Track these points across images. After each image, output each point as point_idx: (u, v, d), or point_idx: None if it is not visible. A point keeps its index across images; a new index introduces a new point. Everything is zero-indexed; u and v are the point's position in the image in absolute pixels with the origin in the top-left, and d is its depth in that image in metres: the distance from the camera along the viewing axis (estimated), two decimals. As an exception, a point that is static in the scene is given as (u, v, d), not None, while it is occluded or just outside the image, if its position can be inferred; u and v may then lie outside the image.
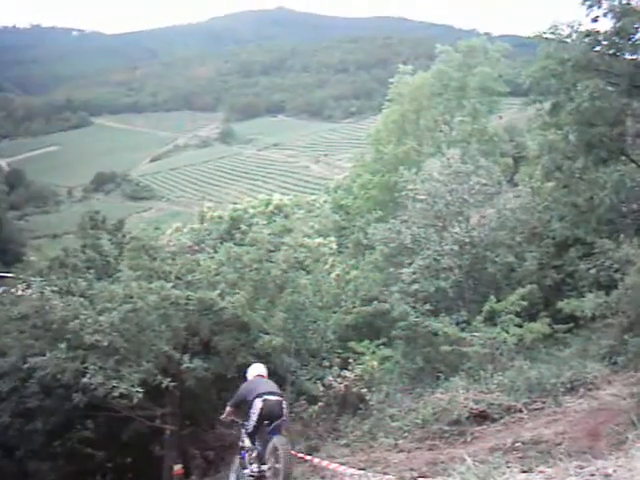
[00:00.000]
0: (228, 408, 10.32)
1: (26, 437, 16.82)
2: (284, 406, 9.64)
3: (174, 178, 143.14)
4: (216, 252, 18.71)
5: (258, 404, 9.51)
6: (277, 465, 8.91)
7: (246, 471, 9.69)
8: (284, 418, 9.62)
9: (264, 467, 9.31)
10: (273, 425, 9.47)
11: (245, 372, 10.73)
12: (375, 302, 19.37)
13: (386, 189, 34.86)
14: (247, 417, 9.76)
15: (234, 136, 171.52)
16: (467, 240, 20.00)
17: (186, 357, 15.02)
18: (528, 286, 17.96)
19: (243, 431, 9.97)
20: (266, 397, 9.54)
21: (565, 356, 15.97)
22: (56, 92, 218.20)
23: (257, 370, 10.60)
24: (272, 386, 10.02)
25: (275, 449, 9.07)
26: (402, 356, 18.05)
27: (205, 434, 18.32)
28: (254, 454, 9.66)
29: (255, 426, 9.60)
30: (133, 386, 13.98)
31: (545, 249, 20.74)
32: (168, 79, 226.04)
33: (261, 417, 9.49)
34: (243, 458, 9.94)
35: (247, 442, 9.87)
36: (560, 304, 17.15)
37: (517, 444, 11.19)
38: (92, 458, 16.92)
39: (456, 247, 19.82)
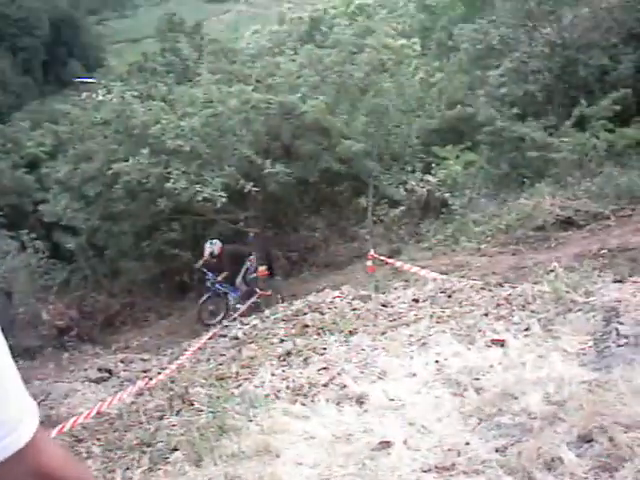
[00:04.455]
0: None
1: (115, 238, 17.36)
2: None
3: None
4: (296, 54, 18.20)
5: None
6: None
7: None
8: None
9: None
10: None
11: None
12: (459, 106, 18.83)
13: (473, -14, 33.02)
14: None
15: None
16: (558, 41, 18.86)
17: (268, 162, 14.96)
18: (622, 90, 17.04)
19: None
20: None
21: (659, 162, 15.37)
22: None
23: None
24: None
25: None
26: (486, 161, 17.66)
27: (288, 236, 18.63)
28: None
29: None
30: (216, 190, 14.05)
31: (643, 51, 19.47)
32: None
33: None
34: None
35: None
36: (657, 109, 16.32)
37: (603, 251, 10.93)
38: (179, 258, 17.39)
39: (546, 49, 18.76)
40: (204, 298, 14.75)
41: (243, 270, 15.03)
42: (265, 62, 17.62)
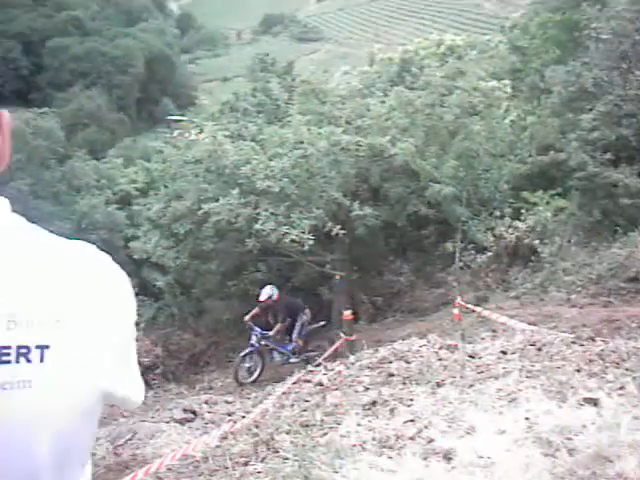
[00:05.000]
0: None
1: (202, 277, 17.57)
2: None
3: (342, 19, 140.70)
4: (386, 96, 18.26)
5: None
6: None
7: None
8: None
9: None
10: None
11: None
12: (551, 152, 18.53)
13: (566, 28, 32.54)
14: None
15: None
16: (654, 83, 18.53)
17: (356, 204, 14.98)
18: None
19: None
20: None
21: None
22: None
23: None
24: None
25: None
26: (578, 208, 17.28)
27: (373, 280, 18.57)
28: None
29: None
30: (304, 232, 14.14)
31: None
32: None
33: None
34: None
35: None
36: None
37: (701, 305, 10.61)
38: (264, 299, 17.50)
39: (641, 92, 18.43)
40: (244, 353, 14.51)
41: (299, 324, 15.07)
42: (355, 103, 17.69)
